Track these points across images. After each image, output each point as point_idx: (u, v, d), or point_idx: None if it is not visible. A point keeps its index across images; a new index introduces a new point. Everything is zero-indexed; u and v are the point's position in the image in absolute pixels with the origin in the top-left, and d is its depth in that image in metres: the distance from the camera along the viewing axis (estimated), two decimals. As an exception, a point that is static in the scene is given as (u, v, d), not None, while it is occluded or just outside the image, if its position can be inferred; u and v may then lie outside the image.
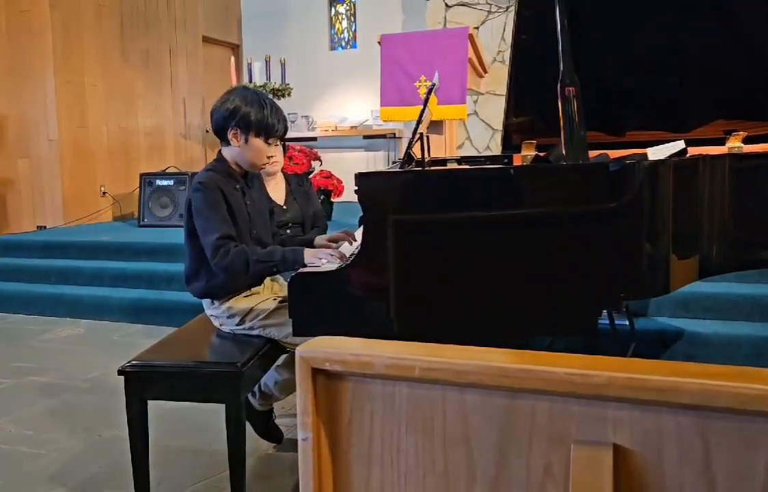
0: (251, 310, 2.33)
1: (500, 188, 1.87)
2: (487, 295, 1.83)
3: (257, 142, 2.31)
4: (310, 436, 0.87)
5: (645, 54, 2.44)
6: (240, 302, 2.34)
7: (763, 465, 0.70)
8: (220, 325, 2.38)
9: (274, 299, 2.37)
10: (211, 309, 2.38)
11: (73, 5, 6.80)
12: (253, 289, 2.40)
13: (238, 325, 2.33)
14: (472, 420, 0.81)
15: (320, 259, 2.09)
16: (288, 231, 3.02)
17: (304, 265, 2.10)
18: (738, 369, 0.72)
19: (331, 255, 2.12)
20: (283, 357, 2.47)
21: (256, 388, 2.57)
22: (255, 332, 2.32)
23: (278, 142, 2.49)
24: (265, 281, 2.47)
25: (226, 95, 2.36)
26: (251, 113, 2.27)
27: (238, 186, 2.34)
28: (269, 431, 2.69)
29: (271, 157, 2.50)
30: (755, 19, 2.37)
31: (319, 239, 2.42)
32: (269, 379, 2.54)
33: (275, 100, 2.50)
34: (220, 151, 2.40)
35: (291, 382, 2.46)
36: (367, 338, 0.89)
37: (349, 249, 2.23)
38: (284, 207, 3.13)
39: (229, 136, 2.31)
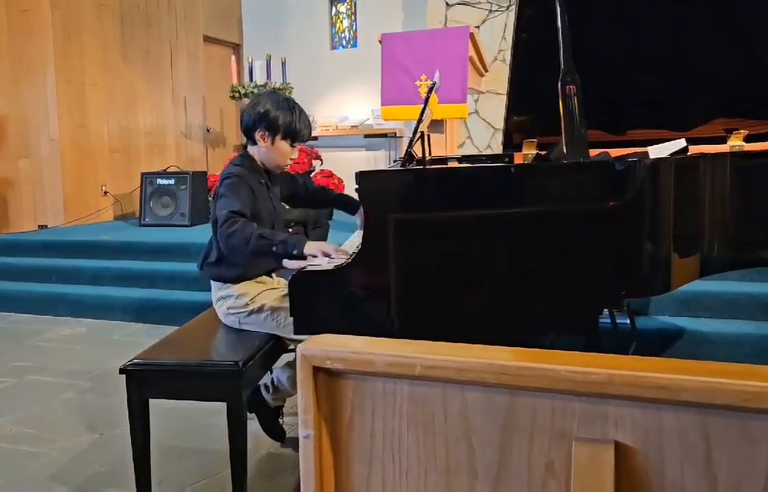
0: (262, 292, 2.39)
1: (501, 187, 1.87)
2: (487, 294, 1.83)
3: (283, 144, 2.44)
4: (312, 433, 0.87)
5: (646, 52, 2.44)
6: (251, 285, 2.40)
7: (764, 462, 0.70)
8: (228, 308, 2.39)
9: (284, 288, 2.41)
10: (223, 290, 2.41)
11: (74, 5, 6.80)
12: (263, 279, 2.45)
13: (246, 305, 2.35)
14: (473, 418, 0.81)
15: (319, 255, 2.08)
16: (290, 230, 3.03)
17: (303, 256, 2.11)
18: (739, 366, 0.72)
19: (332, 255, 2.09)
20: (291, 355, 2.50)
21: (269, 383, 2.59)
22: (262, 316, 2.33)
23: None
24: (272, 276, 2.51)
25: (257, 98, 2.50)
26: (280, 117, 2.40)
27: (263, 181, 2.46)
28: (274, 429, 2.70)
29: (293, 159, 2.57)
30: (756, 17, 2.36)
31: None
32: (281, 374, 2.57)
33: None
34: (246, 148, 2.52)
35: None
36: (368, 337, 0.89)
37: (351, 248, 2.24)
38: (287, 206, 3.13)
39: (257, 136, 2.43)
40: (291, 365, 2.55)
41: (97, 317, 4.89)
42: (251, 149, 2.48)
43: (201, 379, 2.12)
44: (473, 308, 1.84)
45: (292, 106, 2.43)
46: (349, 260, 1.91)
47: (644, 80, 2.49)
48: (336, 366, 0.86)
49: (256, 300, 2.36)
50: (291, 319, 2.25)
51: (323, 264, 2.05)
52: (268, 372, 2.53)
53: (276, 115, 2.39)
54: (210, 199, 2.16)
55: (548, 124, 2.20)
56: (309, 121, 2.52)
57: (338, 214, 5.96)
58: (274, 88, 7.05)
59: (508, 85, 2.50)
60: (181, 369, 2.13)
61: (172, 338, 2.40)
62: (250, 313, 2.35)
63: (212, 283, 2.45)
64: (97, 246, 5.69)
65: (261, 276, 2.44)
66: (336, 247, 2.19)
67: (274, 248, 2.18)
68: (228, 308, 2.40)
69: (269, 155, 2.45)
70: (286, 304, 2.29)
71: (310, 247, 2.14)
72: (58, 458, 2.69)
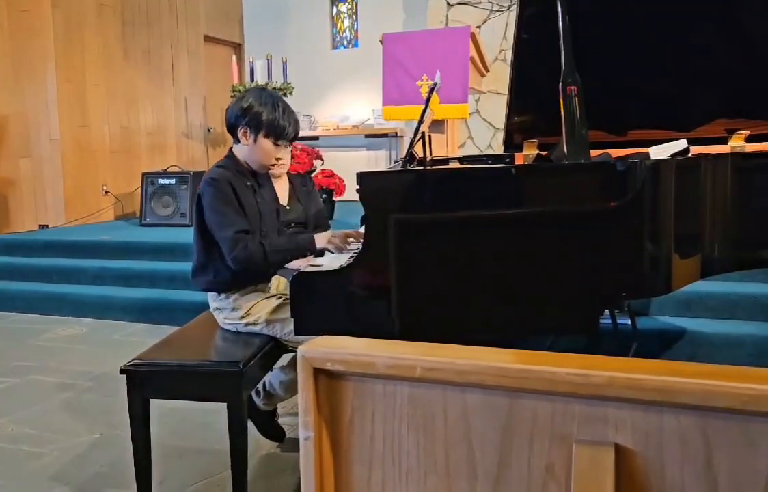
0: (256, 304, 2.35)
1: (502, 187, 1.86)
2: (488, 295, 1.83)
3: (266, 142, 2.34)
4: (312, 435, 0.87)
5: (647, 53, 2.43)
6: (246, 296, 2.36)
7: (764, 465, 0.69)
8: (224, 318, 2.39)
9: (279, 297, 2.38)
10: (217, 301, 2.38)
11: (75, 4, 6.81)
12: (259, 286, 2.41)
13: (242, 318, 2.34)
14: (473, 420, 0.81)
15: (330, 246, 2.20)
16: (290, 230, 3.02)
17: (315, 250, 2.21)
18: (739, 369, 0.72)
19: (342, 246, 2.20)
20: (288, 357, 2.48)
21: (260, 387, 2.58)
22: (258, 327, 2.32)
23: (288, 145, 2.50)
24: (271, 280, 2.48)
25: (242, 94, 2.40)
26: (263, 114, 2.31)
27: (248, 183, 2.37)
28: (272, 430, 2.70)
29: (280, 159, 2.51)
30: (757, 17, 2.36)
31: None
32: (274, 378, 2.55)
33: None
34: (231, 148, 2.43)
35: (296, 382, 2.45)
36: (369, 338, 0.89)
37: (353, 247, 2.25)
38: (287, 207, 3.13)
39: (239, 134, 2.34)
40: (284, 369, 2.54)
41: (98, 317, 4.89)
42: (235, 148, 2.40)
43: (201, 380, 2.12)
44: (474, 309, 1.84)
45: (275, 102, 2.33)
46: (350, 261, 1.91)
47: (645, 81, 2.49)
48: (336, 367, 0.86)
49: (251, 313, 2.34)
50: (287, 328, 2.25)
51: (324, 264, 2.05)
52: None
53: (259, 110, 2.30)
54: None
55: (549, 125, 2.20)
56: (296, 118, 2.42)
57: (339, 214, 5.97)
58: (275, 88, 7.05)
59: (509, 85, 2.49)
60: (181, 369, 2.13)
61: (172, 338, 2.40)
62: (246, 324, 2.34)
63: (207, 293, 2.43)
64: (97, 246, 5.69)
65: (255, 285, 2.40)
66: (341, 235, 2.26)
67: (289, 256, 2.27)
68: (224, 319, 2.39)
69: (252, 154, 2.36)
70: (281, 314, 2.29)
71: (320, 240, 2.24)
72: (58, 458, 2.69)
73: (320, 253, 2.44)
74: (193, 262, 2.40)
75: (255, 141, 2.33)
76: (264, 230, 2.37)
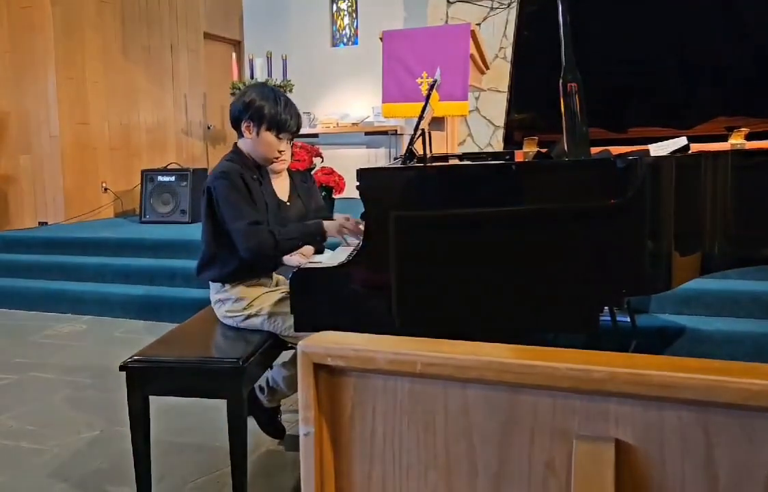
0: (260, 296, 2.37)
1: (502, 184, 1.86)
2: (488, 292, 1.83)
3: (268, 135, 2.39)
4: (312, 431, 0.87)
5: (647, 50, 2.43)
6: (249, 288, 2.38)
7: (764, 460, 0.70)
8: (226, 311, 2.39)
9: (282, 290, 2.40)
10: (221, 293, 2.39)
11: (75, 2, 6.80)
12: (262, 279, 2.43)
13: (244, 309, 2.35)
14: (473, 415, 0.81)
15: (342, 233, 2.28)
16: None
17: (325, 237, 2.29)
18: (740, 365, 0.72)
19: (355, 232, 2.23)
20: (290, 352, 2.49)
21: (263, 384, 2.58)
22: (259, 320, 2.33)
23: (290, 138, 2.53)
24: (272, 276, 2.49)
25: (245, 89, 2.48)
26: (265, 107, 2.36)
27: (255, 176, 2.42)
28: (273, 427, 2.70)
29: (282, 152, 2.53)
30: (757, 15, 2.36)
31: (338, 216, 2.47)
32: (276, 374, 2.56)
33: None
34: (236, 143, 2.48)
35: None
36: (369, 334, 0.89)
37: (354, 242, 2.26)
38: (288, 203, 3.13)
39: (243, 128, 2.40)
40: (286, 365, 2.54)
41: (98, 314, 4.89)
42: (240, 143, 2.45)
43: (201, 376, 2.11)
44: (474, 306, 1.84)
45: (277, 96, 2.39)
46: (350, 258, 1.91)
47: (646, 78, 2.49)
48: (337, 363, 0.86)
49: (253, 304, 2.35)
50: (288, 323, 2.26)
51: (324, 261, 2.06)
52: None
53: (261, 104, 2.36)
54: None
55: (549, 122, 2.20)
56: (297, 112, 2.47)
57: (338, 211, 5.96)
58: (274, 85, 7.04)
59: (509, 83, 2.49)
60: (181, 366, 2.13)
61: (172, 335, 2.40)
62: (248, 317, 2.35)
63: (210, 283, 2.44)
64: (97, 243, 5.69)
65: (259, 278, 2.42)
66: (353, 222, 2.29)
67: (299, 243, 2.33)
68: (226, 311, 2.39)
69: (255, 147, 2.41)
70: (284, 308, 2.30)
71: (330, 228, 2.30)
72: (58, 455, 2.69)
73: (320, 249, 2.45)
74: (201, 255, 2.41)
75: (258, 134, 2.39)
76: (269, 222, 2.40)
